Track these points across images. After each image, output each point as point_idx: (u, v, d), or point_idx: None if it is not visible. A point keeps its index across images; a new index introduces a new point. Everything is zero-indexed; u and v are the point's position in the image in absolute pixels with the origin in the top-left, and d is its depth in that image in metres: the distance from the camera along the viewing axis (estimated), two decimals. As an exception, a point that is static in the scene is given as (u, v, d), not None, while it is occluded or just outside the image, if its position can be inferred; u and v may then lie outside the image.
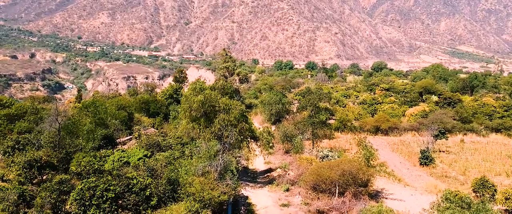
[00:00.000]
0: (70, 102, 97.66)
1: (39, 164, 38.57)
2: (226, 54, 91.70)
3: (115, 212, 31.33)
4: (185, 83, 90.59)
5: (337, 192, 35.86)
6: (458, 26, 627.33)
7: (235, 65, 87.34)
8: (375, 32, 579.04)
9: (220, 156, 32.84)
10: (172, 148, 40.73)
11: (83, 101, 61.54)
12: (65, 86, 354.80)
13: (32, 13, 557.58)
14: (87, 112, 48.08)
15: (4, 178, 38.90)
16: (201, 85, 40.69)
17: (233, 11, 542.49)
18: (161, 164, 35.62)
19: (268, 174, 46.65)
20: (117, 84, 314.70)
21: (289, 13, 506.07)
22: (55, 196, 32.36)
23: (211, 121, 39.40)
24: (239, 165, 45.80)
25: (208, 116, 39.60)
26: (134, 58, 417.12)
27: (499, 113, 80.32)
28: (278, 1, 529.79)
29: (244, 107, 44.46)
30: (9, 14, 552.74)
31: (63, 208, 33.44)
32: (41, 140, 42.71)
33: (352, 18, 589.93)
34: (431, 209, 19.68)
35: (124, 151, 39.74)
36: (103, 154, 39.44)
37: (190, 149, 35.72)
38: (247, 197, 38.10)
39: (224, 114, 38.85)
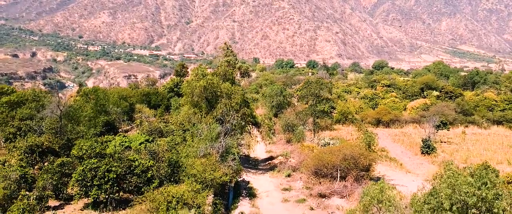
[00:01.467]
0: (71, 96, 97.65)
1: (40, 150, 38.60)
2: (227, 48, 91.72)
3: (117, 193, 31.35)
4: (186, 77, 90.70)
5: (338, 176, 35.84)
6: (459, 25, 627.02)
7: (236, 59, 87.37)
8: (376, 32, 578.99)
9: (221, 138, 32.82)
10: (174, 133, 40.72)
11: (84, 88, 61.60)
12: (66, 85, 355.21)
13: (33, 12, 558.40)
14: (88, 99, 48.10)
15: (6, 164, 38.91)
16: (203, 71, 40.69)
17: (234, 10, 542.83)
18: (163, 149, 35.65)
19: (270, 161, 46.64)
20: (118, 83, 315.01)
21: (290, 12, 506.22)
22: (56, 178, 32.37)
23: (213, 107, 39.40)
24: (241, 153, 45.87)
25: (209, 101, 39.59)
26: (135, 57, 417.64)
27: (500, 107, 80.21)
28: (279, 0, 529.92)
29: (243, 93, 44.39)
30: (10, 13, 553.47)
31: (64, 191, 33.46)
32: (43, 126, 42.73)
33: (353, 18, 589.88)
34: (433, 179, 19.67)
35: (126, 136, 39.77)
36: (105, 139, 39.44)
37: (192, 132, 35.70)
38: (248, 182, 38.11)
39: (226, 99, 38.82)
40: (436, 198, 18.68)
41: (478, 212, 17.28)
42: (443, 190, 18.34)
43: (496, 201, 17.14)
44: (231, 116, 36.58)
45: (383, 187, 25.38)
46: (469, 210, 17.08)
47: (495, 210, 16.98)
